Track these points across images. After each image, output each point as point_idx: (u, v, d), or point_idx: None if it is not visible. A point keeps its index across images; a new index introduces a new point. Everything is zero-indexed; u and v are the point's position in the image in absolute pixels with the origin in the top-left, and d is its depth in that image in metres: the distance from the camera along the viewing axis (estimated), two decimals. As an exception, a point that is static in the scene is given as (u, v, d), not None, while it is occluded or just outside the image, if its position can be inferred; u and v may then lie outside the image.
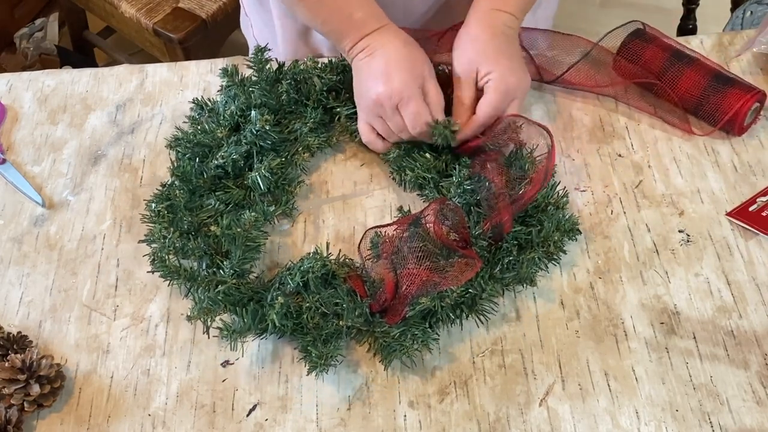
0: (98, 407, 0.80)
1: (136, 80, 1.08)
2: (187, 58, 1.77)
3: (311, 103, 0.98)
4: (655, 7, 2.39)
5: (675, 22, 1.94)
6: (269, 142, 0.93)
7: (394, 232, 0.84)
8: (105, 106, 1.05)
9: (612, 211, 0.91)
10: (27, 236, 0.93)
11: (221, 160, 0.91)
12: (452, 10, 1.08)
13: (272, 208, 0.89)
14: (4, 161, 0.99)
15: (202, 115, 0.99)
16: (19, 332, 0.83)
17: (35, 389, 0.77)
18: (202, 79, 1.07)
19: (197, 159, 0.93)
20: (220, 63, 1.08)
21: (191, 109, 1.00)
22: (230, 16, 1.83)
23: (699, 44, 1.07)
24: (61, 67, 2.01)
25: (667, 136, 0.98)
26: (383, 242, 0.85)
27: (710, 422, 0.76)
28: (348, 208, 0.94)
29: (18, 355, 0.78)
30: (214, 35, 1.86)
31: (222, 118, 0.95)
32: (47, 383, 0.78)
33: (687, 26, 1.90)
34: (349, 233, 0.91)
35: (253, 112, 0.93)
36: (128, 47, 2.11)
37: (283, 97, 0.97)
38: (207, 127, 0.95)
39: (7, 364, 0.78)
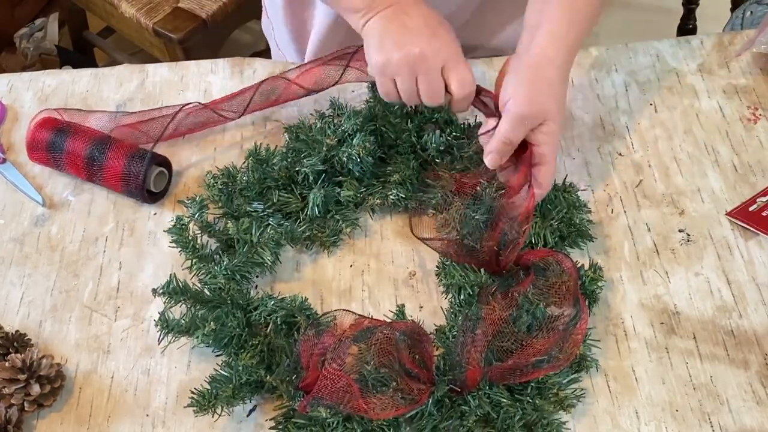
0: (98, 407, 0.80)
1: (137, 80, 1.08)
2: (187, 58, 1.77)
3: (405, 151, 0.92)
4: (655, 7, 2.39)
5: (675, 22, 1.94)
6: (357, 171, 0.90)
7: (347, 329, 0.79)
8: (105, 106, 1.05)
9: (612, 210, 0.91)
10: (28, 236, 0.93)
11: (306, 168, 0.89)
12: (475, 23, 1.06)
13: (306, 233, 0.88)
14: (4, 161, 0.99)
15: (332, 116, 0.96)
16: (17, 331, 0.82)
17: (35, 389, 0.77)
18: (202, 79, 1.07)
19: (292, 153, 0.91)
20: (221, 63, 1.08)
21: (328, 106, 0.98)
22: (230, 16, 1.83)
23: (699, 44, 1.07)
24: (61, 67, 2.01)
25: (668, 135, 0.98)
26: (330, 328, 0.80)
27: (710, 422, 0.76)
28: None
29: (18, 355, 0.78)
30: (214, 35, 1.85)
31: (340, 128, 0.92)
32: (47, 383, 0.78)
33: (687, 26, 1.90)
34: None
35: (357, 136, 0.90)
36: (128, 47, 2.10)
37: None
38: (327, 129, 0.92)
39: (7, 364, 0.78)
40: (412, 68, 0.82)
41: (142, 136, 0.96)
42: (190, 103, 0.97)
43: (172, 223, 0.87)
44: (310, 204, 0.88)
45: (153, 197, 0.94)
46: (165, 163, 0.95)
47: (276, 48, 1.22)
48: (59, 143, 0.94)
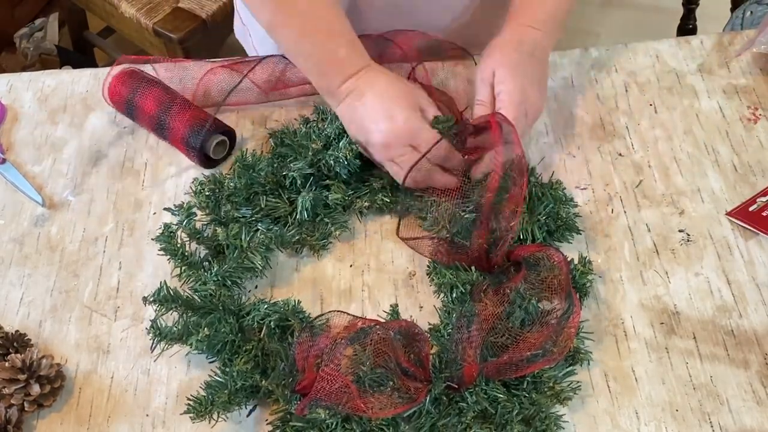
0: (98, 407, 0.80)
1: (136, 80, 1.08)
2: (187, 58, 1.77)
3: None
4: (655, 7, 2.40)
5: (675, 22, 1.94)
6: (344, 174, 0.90)
7: (342, 330, 0.79)
8: (105, 106, 1.05)
9: (612, 210, 0.91)
10: (28, 237, 0.93)
11: (293, 172, 0.89)
12: (474, 25, 1.08)
13: (295, 237, 0.88)
14: (4, 161, 0.99)
15: (316, 121, 0.97)
16: (17, 331, 0.82)
17: (35, 389, 0.77)
18: (202, 79, 1.07)
19: (278, 158, 0.91)
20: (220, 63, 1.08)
21: (312, 112, 0.99)
22: (230, 16, 1.82)
23: (699, 44, 1.07)
24: (61, 67, 2.01)
25: (668, 136, 0.98)
26: (324, 330, 0.80)
27: (710, 422, 0.76)
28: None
29: (18, 355, 0.78)
30: (214, 35, 1.86)
31: (323, 132, 0.92)
32: (47, 383, 0.78)
33: (687, 26, 1.90)
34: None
35: (344, 139, 0.90)
36: (128, 47, 2.10)
37: None
38: (312, 134, 0.93)
39: (7, 364, 0.78)
40: (387, 155, 0.87)
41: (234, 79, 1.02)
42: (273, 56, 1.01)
43: (160, 231, 0.87)
44: (299, 208, 0.88)
45: (212, 163, 0.98)
46: (228, 131, 0.97)
47: (254, 53, 1.21)
48: (133, 100, 0.99)
